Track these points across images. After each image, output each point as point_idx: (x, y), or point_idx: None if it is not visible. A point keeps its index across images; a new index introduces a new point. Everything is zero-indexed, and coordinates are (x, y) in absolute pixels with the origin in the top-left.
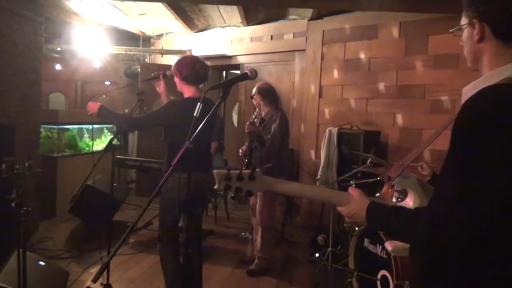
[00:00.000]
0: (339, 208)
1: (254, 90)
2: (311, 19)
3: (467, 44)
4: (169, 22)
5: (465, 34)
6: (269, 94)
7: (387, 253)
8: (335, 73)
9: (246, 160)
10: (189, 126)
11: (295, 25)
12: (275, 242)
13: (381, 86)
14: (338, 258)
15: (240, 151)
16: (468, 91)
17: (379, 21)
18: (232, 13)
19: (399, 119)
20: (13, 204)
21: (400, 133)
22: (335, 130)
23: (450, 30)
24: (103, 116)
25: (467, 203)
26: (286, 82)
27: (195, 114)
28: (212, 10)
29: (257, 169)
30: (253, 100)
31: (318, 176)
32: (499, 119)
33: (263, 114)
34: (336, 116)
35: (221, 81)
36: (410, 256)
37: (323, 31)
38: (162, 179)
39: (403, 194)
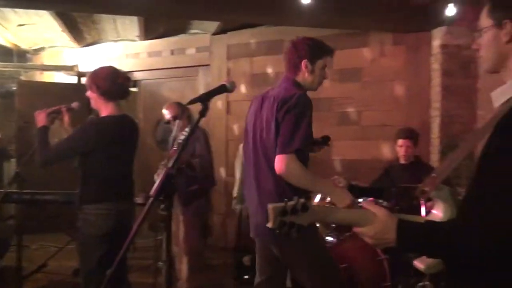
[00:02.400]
0: (359, 230)
1: (174, 111)
2: (215, 33)
3: (490, 46)
4: (53, 35)
5: (488, 36)
6: (189, 112)
7: None
8: (243, 88)
9: None
10: (112, 150)
11: (198, 39)
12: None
13: None
14: None
15: (156, 176)
16: (499, 95)
17: (285, 36)
18: (130, 26)
19: None
20: None
21: None
22: None
23: (475, 33)
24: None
25: None
26: (189, 98)
27: (173, 134)
28: (107, 22)
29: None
30: (175, 122)
31: (235, 194)
32: None
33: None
34: None
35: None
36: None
37: (228, 45)
38: (78, 214)
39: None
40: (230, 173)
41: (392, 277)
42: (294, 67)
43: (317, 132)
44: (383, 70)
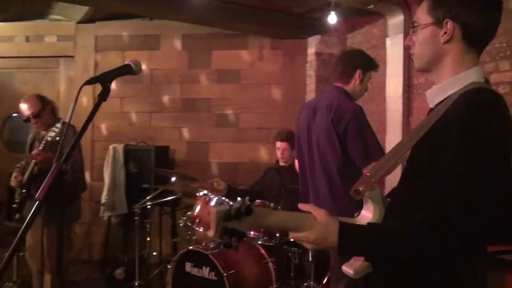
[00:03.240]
0: (298, 235)
1: (35, 105)
2: (81, 22)
3: (426, 44)
4: None
5: (426, 33)
6: (54, 107)
7: (217, 273)
8: (112, 85)
9: (24, 190)
10: None
11: (60, 26)
12: None
13: (165, 99)
14: None
15: (13, 179)
16: (434, 95)
17: (161, 32)
18: None
19: (186, 133)
20: None
21: (187, 147)
22: (120, 147)
23: (411, 26)
24: None
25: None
26: (48, 92)
27: (67, 120)
28: None
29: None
30: (35, 120)
31: (104, 201)
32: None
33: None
34: (115, 132)
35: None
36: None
37: (96, 36)
38: None
39: None
40: (96, 177)
41: (278, 279)
42: (346, 76)
43: (195, 133)
44: (261, 73)
